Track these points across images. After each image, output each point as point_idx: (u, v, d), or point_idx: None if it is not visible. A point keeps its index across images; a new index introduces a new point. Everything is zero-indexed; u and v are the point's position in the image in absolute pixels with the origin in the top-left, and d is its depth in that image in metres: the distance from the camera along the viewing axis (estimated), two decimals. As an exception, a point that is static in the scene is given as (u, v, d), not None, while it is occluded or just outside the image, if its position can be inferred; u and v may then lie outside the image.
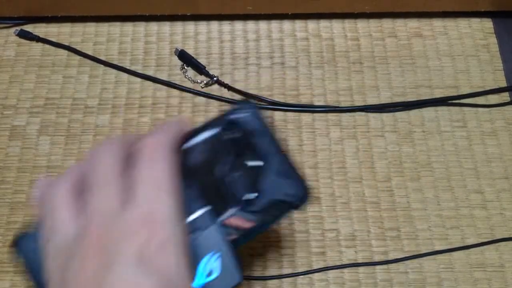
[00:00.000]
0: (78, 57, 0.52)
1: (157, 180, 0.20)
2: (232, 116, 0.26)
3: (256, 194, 0.25)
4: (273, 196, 0.25)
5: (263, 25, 0.54)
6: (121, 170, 0.21)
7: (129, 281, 0.18)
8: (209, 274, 0.23)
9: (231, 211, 0.24)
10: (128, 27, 0.54)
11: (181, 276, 0.19)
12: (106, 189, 0.20)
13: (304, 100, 0.51)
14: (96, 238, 0.19)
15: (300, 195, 0.25)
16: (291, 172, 0.25)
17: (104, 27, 0.54)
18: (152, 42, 0.53)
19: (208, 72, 0.51)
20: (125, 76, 0.52)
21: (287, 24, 0.54)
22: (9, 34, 0.53)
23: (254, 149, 0.25)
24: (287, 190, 0.25)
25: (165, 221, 0.19)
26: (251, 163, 0.25)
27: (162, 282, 0.18)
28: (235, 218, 0.24)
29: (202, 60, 0.52)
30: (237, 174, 0.25)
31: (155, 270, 0.18)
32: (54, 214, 0.20)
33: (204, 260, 0.23)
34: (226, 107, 0.50)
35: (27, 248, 0.23)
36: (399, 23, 0.55)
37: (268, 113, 0.50)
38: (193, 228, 0.23)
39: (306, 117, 0.50)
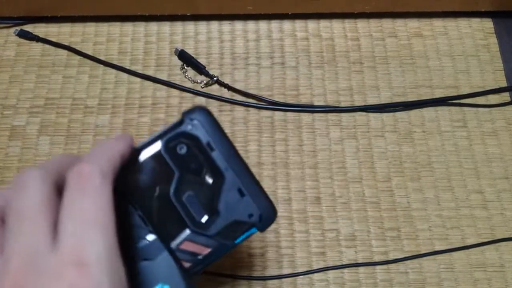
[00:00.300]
0: (78, 57, 0.52)
1: (86, 215, 0.17)
2: (180, 129, 0.22)
3: (207, 217, 0.22)
4: (231, 217, 0.22)
5: (263, 25, 0.54)
6: (52, 200, 0.18)
7: None
8: None
9: (183, 235, 0.22)
10: (128, 27, 0.54)
11: None
12: (31, 224, 0.17)
13: (304, 100, 0.51)
14: (14, 280, 0.16)
15: (264, 214, 0.22)
16: (253, 188, 0.22)
17: (104, 27, 0.54)
18: (152, 42, 0.53)
19: (208, 72, 0.51)
20: (125, 76, 0.52)
21: (287, 24, 0.54)
22: (9, 34, 0.53)
23: (209, 164, 0.22)
24: (248, 210, 0.22)
25: (94, 263, 0.16)
26: (205, 180, 0.22)
27: None
28: (188, 243, 0.22)
29: (202, 60, 0.52)
30: (189, 193, 0.22)
31: None
32: None
33: None
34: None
35: None
36: (399, 23, 0.55)
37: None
38: (142, 257, 0.21)
39: (306, 117, 0.50)
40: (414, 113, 0.51)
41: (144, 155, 0.22)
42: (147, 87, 0.51)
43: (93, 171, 0.18)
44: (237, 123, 0.50)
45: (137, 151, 0.22)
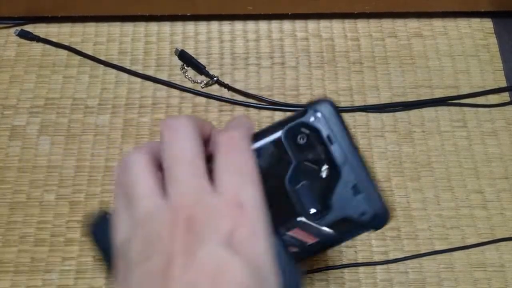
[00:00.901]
0: (78, 57, 0.52)
1: (240, 169, 0.20)
2: (303, 119, 0.22)
3: (319, 209, 0.22)
4: (342, 213, 0.21)
5: (263, 25, 0.54)
6: (202, 150, 0.20)
7: (219, 259, 0.18)
8: None
9: (293, 222, 0.22)
10: (128, 27, 0.54)
11: (270, 270, 0.19)
12: (192, 167, 0.20)
13: (304, 100, 0.51)
14: (188, 213, 0.18)
15: (377, 215, 0.21)
16: (368, 187, 0.22)
17: (104, 27, 0.54)
18: (152, 42, 0.53)
19: (208, 72, 0.51)
20: (125, 76, 0.52)
21: (287, 24, 0.54)
22: (9, 34, 0.53)
23: (327, 157, 0.22)
24: (360, 208, 0.21)
25: (250, 206, 0.19)
26: (321, 173, 0.22)
27: (251, 269, 0.18)
28: (297, 230, 0.22)
29: (202, 60, 0.52)
30: (303, 183, 0.22)
31: (244, 255, 0.18)
32: (136, 183, 0.20)
33: None
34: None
35: (101, 229, 0.22)
36: (399, 23, 0.55)
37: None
38: None
39: (306, 117, 0.50)
40: (414, 113, 0.51)
41: (264, 140, 0.22)
42: (147, 87, 0.51)
43: (241, 136, 0.21)
44: (237, 123, 0.50)
45: (257, 135, 0.23)
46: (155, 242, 0.18)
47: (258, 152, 0.22)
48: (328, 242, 0.22)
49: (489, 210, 0.47)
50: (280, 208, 0.22)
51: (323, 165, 0.22)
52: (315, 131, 0.22)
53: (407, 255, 0.45)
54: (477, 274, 0.44)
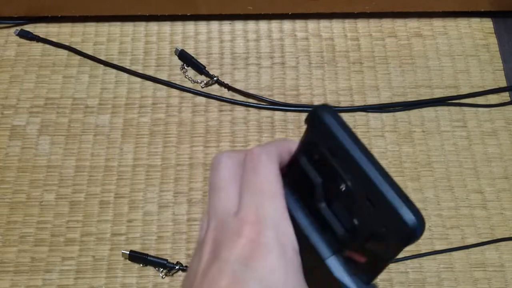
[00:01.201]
0: (78, 57, 0.52)
1: (257, 187, 0.21)
2: (306, 136, 0.21)
3: (347, 227, 0.20)
4: (368, 229, 0.19)
5: (263, 25, 0.54)
6: (237, 175, 0.22)
7: (231, 276, 0.19)
8: None
9: (339, 243, 0.20)
10: (128, 27, 0.54)
11: (285, 285, 0.19)
12: (222, 193, 0.22)
13: (304, 100, 0.51)
14: (213, 236, 0.21)
15: (398, 227, 0.18)
16: (382, 197, 0.19)
17: (104, 27, 0.54)
18: (152, 42, 0.53)
19: (208, 72, 0.51)
20: (125, 76, 0.52)
21: (287, 24, 0.54)
22: (10, 34, 0.53)
23: (334, 171, 0.20)
24: (381, 221, 0.18)
25: (261, 222, 0.20)
26: (339, 189, 0.20)
27: (263, 286, 0.19)
28: (348, 252, 0.20)
29: (202, 60, 0.52)
30: (326, 203, 0.21)
31: (255, 271, 0.19)
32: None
33: None
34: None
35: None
36: (399, 23, 0.55)
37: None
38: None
39: (306, 117, 0.50)
40: (414, 113, 0.51)
41: (293, 161, 0.22)
42: (147, 87, 0.51)
43: (262, 152, 0.22)
44: (237, 123, 0.50)
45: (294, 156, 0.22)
46: (196, 253, 0.21)
47: (291, 172, 0.22)
48: (377, 261, 0.19)
49: (489, 210, 0.47)
50: (324, 229, 0.21)
51: (336, 181, 0.20)
52: (315, 145, 0.21)
53: (407, 255, 0.45)
54: (477, 274, 0.44)
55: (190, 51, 0.52)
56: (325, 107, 0.20)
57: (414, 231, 0.17)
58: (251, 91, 0.51)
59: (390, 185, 0.19)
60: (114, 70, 0.52)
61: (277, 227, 0.20)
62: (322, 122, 0.20)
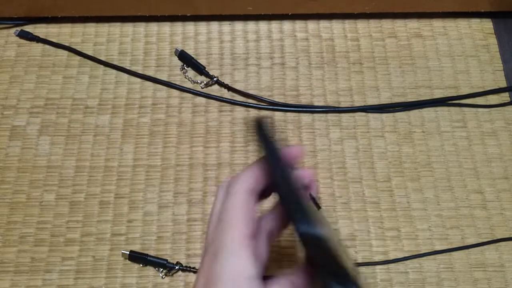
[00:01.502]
0: (78, 58, 0.52)
1: (216, 213, 0.25)
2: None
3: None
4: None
5: (263, 25, 0.54)
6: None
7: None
8: None
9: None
10: (128, 27, 0.54)
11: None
12: (212, 225, 0.26)
13: (304, 100, 0.51)
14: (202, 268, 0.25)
15: (299, 230, 0.21)
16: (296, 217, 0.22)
17: (104, 27, 0.54)
18: (152, 43, 0.53)
19: (208, 72, 0.51)
20: (125, 76, 0.52)
21: (287, 25, 0.54)
22: (9, 34, 0.53)
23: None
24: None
25: (220, 252, 0.23)
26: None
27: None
28: None
29: (202, 61, 0.52)
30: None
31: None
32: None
33: None
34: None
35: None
36: (399, 23, 0.55)
37: (267, 113, 0.50)
38: None
39: (306, 118, 0.50)
40: (414, 113, 0.51)
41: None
42: (147, 88, 0.51)
43: (223, 183, 0.26)
44: (237, 123, 0.50)
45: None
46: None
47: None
48: None
49: (489, 210, 0.47)
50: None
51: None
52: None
53: (407, 255, 0.45)
54: (477, 274, 0.44)
55: (190, 51, 0.52)
56: (257, 122, 0.24)
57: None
58: (251, 92, 0.51)
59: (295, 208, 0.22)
60: (114, 71, 0.52)
61: (229, 251, 0.23)
62: (259, 137, 0.23)
